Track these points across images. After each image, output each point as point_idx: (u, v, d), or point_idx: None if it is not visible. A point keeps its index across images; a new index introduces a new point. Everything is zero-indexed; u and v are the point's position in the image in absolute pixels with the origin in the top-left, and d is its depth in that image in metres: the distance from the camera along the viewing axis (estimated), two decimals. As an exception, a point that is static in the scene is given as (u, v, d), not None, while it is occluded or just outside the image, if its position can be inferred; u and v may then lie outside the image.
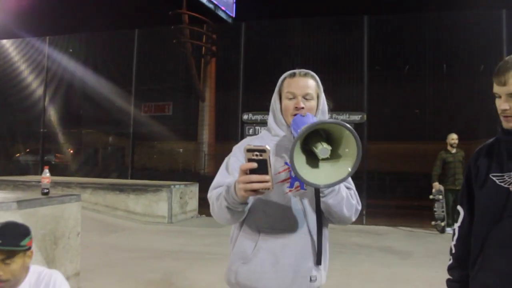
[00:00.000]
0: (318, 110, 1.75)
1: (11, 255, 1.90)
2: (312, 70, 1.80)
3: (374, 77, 10.65)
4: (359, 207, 1.71)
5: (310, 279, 1.67)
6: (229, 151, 1.84)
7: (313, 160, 1.47)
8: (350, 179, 1.72)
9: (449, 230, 8.24)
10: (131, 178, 12.37)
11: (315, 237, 1.68)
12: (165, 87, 14.03)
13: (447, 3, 13.80)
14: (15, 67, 13.90)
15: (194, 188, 9.91)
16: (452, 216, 8.34)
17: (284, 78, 1.77)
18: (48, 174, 4.09)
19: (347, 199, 1.64)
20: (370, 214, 9.78)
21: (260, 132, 1.94)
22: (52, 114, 13.64)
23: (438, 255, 6.15)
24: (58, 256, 3.96)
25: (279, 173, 1.65)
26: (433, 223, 8.33)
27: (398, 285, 4.78)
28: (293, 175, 1.62)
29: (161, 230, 8.17)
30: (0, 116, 14.35)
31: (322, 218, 1.70)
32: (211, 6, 13.42)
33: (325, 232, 1.74)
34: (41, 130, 13.43)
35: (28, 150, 15.89)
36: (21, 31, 15.81)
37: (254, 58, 11.71)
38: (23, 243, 1.95)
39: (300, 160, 1.43)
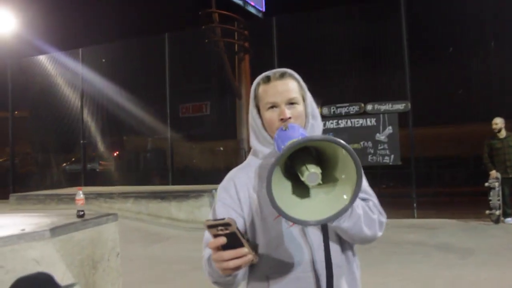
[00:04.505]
0: (308, 116, 1.44)
1: None
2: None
3: (416, 62, 10.07)
4: (384, 219, 1.41)
5: None
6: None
7: (302, 187, 1.16)
8: (366, 188, 1.44)
9: (508, 220, 7.71)
10: (173, 182, 12.39)
11: (337, 270, 1.38)
12: (201, 87, 13.97)
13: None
14: (52, 81, 14.18)
15: (236, 190, 9.70)
16: (509, 206, 7.80)
17: (258, 85, 1.46)
18: (82, 196, 3.94)
19: (365, 215, 1.33)
20: (421, 205, 9.31)
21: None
22: (92, 123, 13.84)
23: (502, 252, 5.68)
24: (98, 281, 3.81)
25: None
26: (487, 212, 7.81)
27: (463, 290, 4.38)
28: None
29: (205, 236, 8.00)
30: (44, 128, 14.70)
31: (343, 246, 1.41)
32: (240, 2, 13.11)
33: (348, 260, 1.43)
34: (81, 141, 13.65)
35: (73, 159, 16.25)
36: (56, 47, 16.11)
37: (288, 52, 11.40)
38: None
39: (283, 190, 1.14)
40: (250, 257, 1.14)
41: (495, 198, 7.73)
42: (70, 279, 3.35)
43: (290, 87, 1.41)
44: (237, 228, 1.11)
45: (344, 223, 1.28)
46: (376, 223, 1.37)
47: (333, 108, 9.59)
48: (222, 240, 1.10)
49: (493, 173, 7.75)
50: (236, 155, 14.82)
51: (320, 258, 1.36)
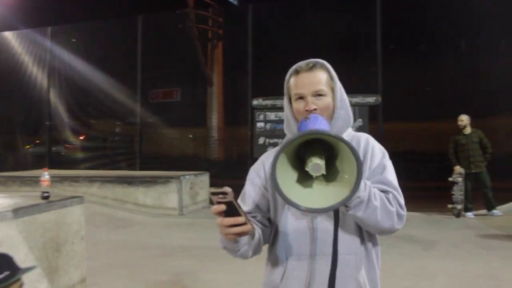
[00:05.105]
0: (336, 107, 1.49)
1: None
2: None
3: (389, 57, 10.21)
4: (403, 212, 1.41)
5: None
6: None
7: (309, 177, 1.26)
8: (391, 180, 1.44)
9: (469, 214, 7.94)
10: (140, 167, 12.20)
11: (351, 258, 1.42)
12: (172, 73, 13.77)
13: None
14: (18, 60, 13.68)
15: (205, 178, 9.65)
16: (470, 201, 8.03)
17: (290, 76, 1.53)
18: (47, 177, 3.82)
19: (382, 207, 1.35)
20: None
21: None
22: (59, 105, 13.46)
23: (463, 245, 5.85)
24: (61, 264, 3.72)
25: None
26: (449, 206, 8.01)
27: (423, 281, 4.50)
28: None
29: (172, 223, 7.94)
30: (8, 108, 14.24)
31: (363, 235, 1.45)
32: (215, -12, 13.04)
33: (367, 249, 1.46)
34: (47, 123, 13.27)
35: (38, 141, 15.80)
36: (23, 23, 15.56)
37: (263, 41, 11.35)
38: None
39: (288, 176, 1.26)
40: (249, 226, 1.28)
41: (457, 192, 7.93)
42: (32, 262, 3.26)
43: (318, 79, 1.46)
44: (234, 198, 1.22)
45: (359, 213, 1.31)
46: (394, 216, 1.38)
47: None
48: (222, 207, 1.23)
49: (457, 168, 7.95)
50: (206, 142, 14.77)
51: (327, 246, 1.42)
